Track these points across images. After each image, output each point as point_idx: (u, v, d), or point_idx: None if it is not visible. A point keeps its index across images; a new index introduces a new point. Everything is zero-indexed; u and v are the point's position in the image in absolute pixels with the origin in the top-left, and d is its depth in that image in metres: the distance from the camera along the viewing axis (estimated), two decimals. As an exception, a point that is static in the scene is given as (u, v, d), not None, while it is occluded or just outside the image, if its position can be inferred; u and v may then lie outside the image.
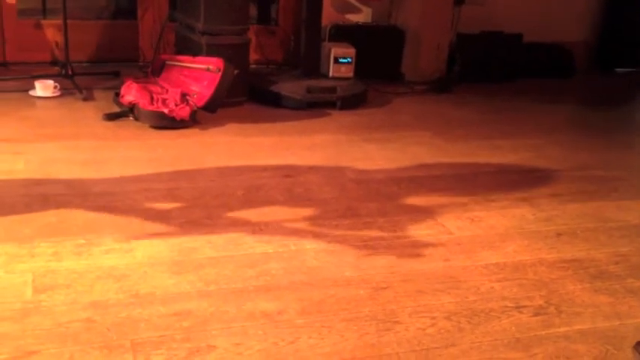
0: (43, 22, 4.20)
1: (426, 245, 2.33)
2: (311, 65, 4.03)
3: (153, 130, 3.30)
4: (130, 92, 3.41)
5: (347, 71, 4.05)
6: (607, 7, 5.30)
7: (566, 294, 2.09)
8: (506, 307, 2.00)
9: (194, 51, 3.68)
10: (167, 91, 3.49)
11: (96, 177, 2.69)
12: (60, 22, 3.81)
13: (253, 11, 4.60)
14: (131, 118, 3.39)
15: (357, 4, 4.66)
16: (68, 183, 2.63)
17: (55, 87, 3.70)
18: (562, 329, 1.91)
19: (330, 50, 4.02)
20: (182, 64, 3.66)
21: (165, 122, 3.29)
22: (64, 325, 1.75)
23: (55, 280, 1.94)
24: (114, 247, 2.15)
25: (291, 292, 1.98)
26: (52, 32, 4.18)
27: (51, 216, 2.33)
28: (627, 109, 4.60)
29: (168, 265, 2.07)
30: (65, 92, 3.72)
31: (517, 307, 2.00)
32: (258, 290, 1.98)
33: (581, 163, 3.31)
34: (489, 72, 4.77)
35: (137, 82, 3.54)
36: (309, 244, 2.27)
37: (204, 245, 2.21)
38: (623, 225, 2.62)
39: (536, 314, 1.97)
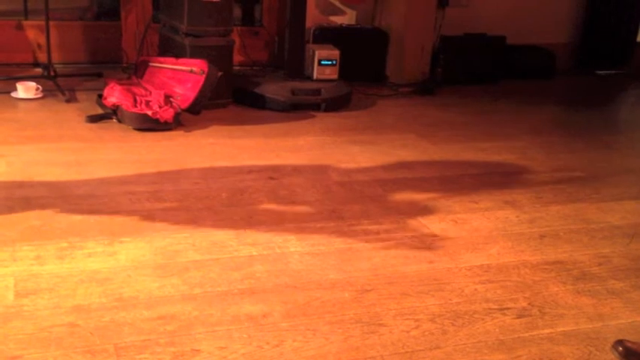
0: (25, 22, 4.16)
1: (410, 247, 2.34)
2: (295, 67, 4.03)
3: (136, 132, 3.28)
4: (113, 94, 3.39)
5: (331, 73, 4.06)
6: (588, 9, 5.35)
7: (549, 296, 2.11)
8: (490, 309, 2.01)
9: (178, 52, 3.66)
10: (150, 93, 3.47)
11: (79, 179, 2.68)
12: (42, 23, 3.78)
13: (237, 12, 4.59)
14: (114, 120, 3.37)
15: (341, 6, 4.67)
16: (51, 185, 2.61)
17: (37, 89, 3.67)
18: (545, 331, 1.92)
19: (314, 52, 4.02)
20: (166, 65, 3.65)
21: (149, 124, 3.28)
22: (46, 329, 1.73)
23: (38, 284, 1.93)
24: (97, 251, 2.13)
25: (275, 295, 1.98)
26: (33, 33, 4.14)
27: (33, 219, 2.31)
28: (608, 111, 4.64)
29: (152, 268, 2.06)
30: (47, 94, 3.69)
31: (501, 309, 2.01)
32: (242, 293, 1.97)
33: (563, 165, 3.34)
34: (473, 74, 4.79)
35: (120, 84, 3.52)
36: (294, 247, 2.27)
37: (188, 248, 2.20)
38: (605, 226, 2.65)
39: (519, 316, 1.98)
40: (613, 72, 5.45)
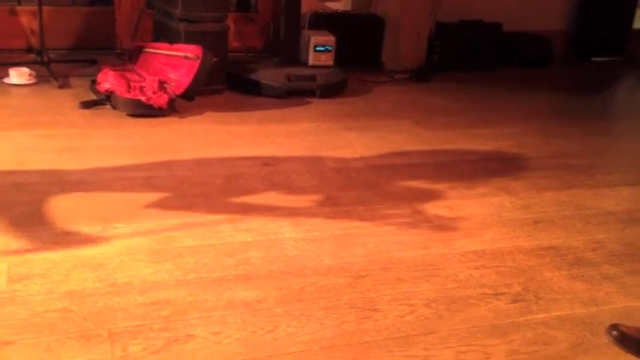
0: (18, 8, 4.12)
1: (405, 233, 2.34)
2: (290, 53, 4.01)
3: (130, 118, 3.26)
4: (107, 80, 3.37)
5: (327, 59, 4.03)
6: (585, -4, 5.34)
7: (543, 281, 2.11)
8: (485, 294, 2.01)
9: (172, 38, 3.64)
10: (145, 78, 3.45)
11: (72, 166, 2.66)
12: (35, 8, 3.74)
13: (232, -2, 4.56)
14: (108, 106, 3.35)
15: (336, -8, 4.65)
16: (44, 172, 2.59)
17: (30, 74, 3.64)
18: (540, 316, 1.92)
19: (309, 38, 4.00)
20: (160, 51, 3.62)
21: (143, 110, 3.26)
22: (40, 315, 1.73)
23: (31, 270, 1.92)
24: (91, 236, 2.13)
25: (270, 281, 1.98)
26: (27, 19, 4.11)
27: (26, 205, 2.30)
28: (603, 98, 4.63)
29: (146, 253, 2.06)
30: (41, 80, 3.66)
31: (495, 295, 2.01)
32: (237, 279, 1.97)
33: (558, 151, 3.33)
34: (469, 61, 4.78)
35: (114, 70, 3.49)
36: (289, 233, 2.27)
37: (182, 234, 2.19)
38: (599, 212, 2.65)
39: (514, 301, 1.99)
40: (609, 59, 5.44)
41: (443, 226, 2.42)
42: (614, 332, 1.80)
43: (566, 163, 3.17)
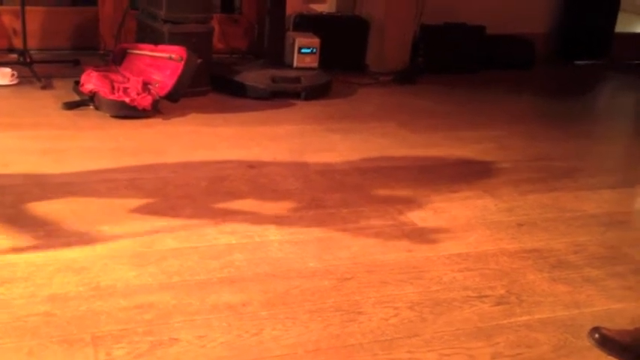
0: (0, 8, 4.09)
1: (390, 236, 2.34)
2: (275, 55, 4.01)
3: (114, 119, 3.24)
4: (91, 81, 3.35)
5: (311, 61, 4.04)
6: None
7: (526, 283, 2.12)
8: (469, 296, 2.02)
9: (156, 39, 3.62)
10: (128, 80, 3.43)
11: (55, 167, 2.64)
12: (17, 8, 3.72)
13: (216, 0, 4.55)
14: (91, 107, 3.33)
15: (321, -7, 4.65)
16: (26, 173, 2.57)
17: (13, 75, 3.61)
18: (523, 318, 1.94)
19: (294, 40, 4.00)
20: (144, 52, 3.60)
21: (127, 111, 3.24)
22: (22, 318, 1.71)
23: (13, 273, 1.90)
24: (73, 239, 2.11)
25: (255, 284, 1.97)
26: (9, 19, 4.07)
27: (8, 208, 2.28)
28: (586, 100, 4.68)
29: (130, 257, 2.04)
30: (23, 80, 3.63)
31: (479, 297, 2.02)
32: (222, 282, 1.96)
33: (541, 154, 3.36)
34: (453, 63, 4.80)
35: (97, 71, 3.47)
36: (274, 236, 2.26)
37: (166, 236, 2.18)
38: (581, 215, 2.67)
39: (497, 304, 2.00)
40: (592, 62, 5.49)
41: (427, 228, 2.43)
42: (596, 335, 1.81)
43: (549, 166, 3.20)
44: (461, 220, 2.52)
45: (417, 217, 2.51)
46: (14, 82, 3.61)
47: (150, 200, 2.44)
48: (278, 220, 2.37)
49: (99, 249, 2.07)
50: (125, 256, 2.05)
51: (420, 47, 4.65)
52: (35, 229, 2.15)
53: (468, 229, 2.46)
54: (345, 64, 4.49)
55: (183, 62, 3.41)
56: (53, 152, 2.80)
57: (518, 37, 5.11)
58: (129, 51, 3.68)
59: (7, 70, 3.60)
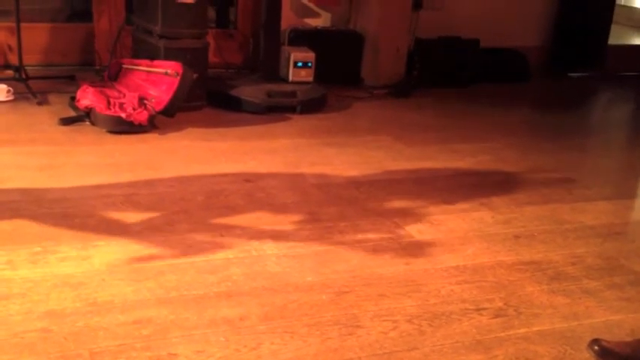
0: (-5, 24, 4.10)
1: (387, 249, 2.34)
2: (270, 69, 4.02)
3: (110, 135, 3.24)
4: (86, 96, 3.35)
5: (307, 75, 4.05)
6: (560, 12, 5.42)
7: (524, 295, 2.12)
8: (467, 309, 2.01)
9: (152, 55, 3.63)
10: (124, 95, 3.43)
11: (51, 183, 2.64)
12: (13, 24, 3.72)
13: (212, 14, 4.56)
14: (87, 122, 3.33)
15: (315, 8, 4.67)
16: (23, 189, 2.56)
17: (9, 91, 3.61)
18: (521, 330, 1.93)
19: (289, 54, 4.02)
20: (140, 68, 3.61)
21: (123, 127, 3.24)
22: (19, 335, 1.70)
23: (10, 289, 1.89)
24: (70, 255, 2.10)
25: (252, 298, 1.97)
26: (4, 35, 4.08)
27: (5, 224, 2.27)
28: (580, 113, 4.70)
29: (127, 272, 2.04)
30: (19, 96, 3.63)
31: (477, 310, 2.02)
32: (219, 296, 1.96)
33: (536, 166, 3.37)
34: (447, 77, 4.82)
35: (93, 86, 3.48)
36: (271, 250, 2.26)
37: (163, 251, 2.18)
38: (578, 227, 2.68)
39: (496, 316, 2.00)
40: (585, 74, 5.53)
41: (424, 241, 2.43)
42: (596, 347, 1.81)
43: (544, 178, 3.21)
44: (458, 233, 2.52)
45: (414, 229, 2.51)
46: (10, 98, 3.61)
47: (146, 215, 2.44)
48: (275, 234, 2.37)
49: (96, 264, 2.06)
50: (122, 271, 2.04)
51: (414, 61, 4.67)
52: (32, 245, 2.14)
53: (465, 241, 2.46)
54: (341, 78, 4.50)
55: (179, 77, 3.41)
56: (49, 168, 2.79)
57: (513, 50, 5.14)
58: (124, 66, 3.69)
59: (3, 87, 3.60)
